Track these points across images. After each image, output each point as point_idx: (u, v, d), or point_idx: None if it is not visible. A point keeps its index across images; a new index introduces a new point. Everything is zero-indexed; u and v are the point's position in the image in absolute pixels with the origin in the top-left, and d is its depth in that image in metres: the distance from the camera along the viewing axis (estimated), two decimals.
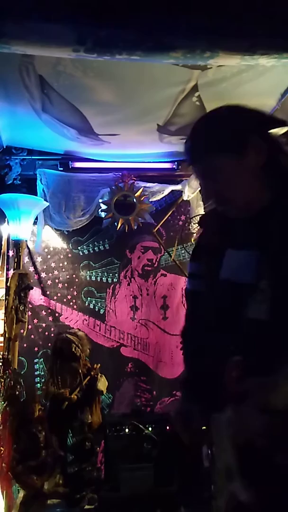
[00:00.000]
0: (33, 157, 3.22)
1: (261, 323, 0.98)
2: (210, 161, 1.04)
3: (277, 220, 1.00)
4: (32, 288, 3.12)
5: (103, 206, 3.35)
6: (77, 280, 3.43)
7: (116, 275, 3.46)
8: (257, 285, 0.99)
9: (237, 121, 1.05)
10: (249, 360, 0.95)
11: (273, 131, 1.08)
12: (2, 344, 3.04)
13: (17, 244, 3.18)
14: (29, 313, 3.13)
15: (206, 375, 1.04)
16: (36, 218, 3.23)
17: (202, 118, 1.13)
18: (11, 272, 3.18)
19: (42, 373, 3.22)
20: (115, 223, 3.34)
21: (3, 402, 2.57)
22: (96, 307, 3.42)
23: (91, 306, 3.42)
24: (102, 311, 3.42)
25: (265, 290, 0.98)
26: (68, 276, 3.42)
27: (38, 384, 3.17)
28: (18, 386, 2.67)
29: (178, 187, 3.31)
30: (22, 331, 3.07)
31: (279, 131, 1.11)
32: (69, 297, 3.40)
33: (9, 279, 3.11)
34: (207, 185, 1.08)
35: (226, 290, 1.07)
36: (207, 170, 1.06)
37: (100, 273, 3.46)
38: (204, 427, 1.08)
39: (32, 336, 3.27)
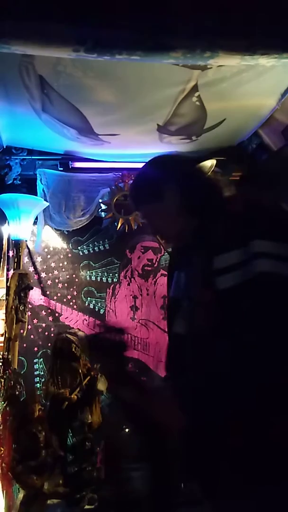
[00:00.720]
0: (33, 157, 3.21)
1: (182, 338, 1.21)
2: (141, 210, 1.35)
3: (195, 247, 1.21)
4: (32, 288, 3.12)
5: (103, 206, 3.35)
6: (77, 280, 3.44)
7: (116, 275, 3.47)
8: (182, 303, 1.23)
9: (151, 176, 1.31)
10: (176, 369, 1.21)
11: (201, 164, 1.38)
12: (2, 344, 3.05)
13: (17, 244, 3.18)
14: (29, 313, 3.13)
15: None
16: (36, 218, 3.23)
17: (134, 178, 1.43)
18: (11, 272, 3.19)
19: (42, 373, 3.22)
20: (115, 223, 3.34)
21: (3, 402, 2.57)
22: (96, 307, 3.42)
23: (91, 306, 3.42)
24: (102, 311, 3.42)
25: (186, 308, 1.21)
26: (68, 276, 3.43)
27: (38, 384, 3.17)
28: (18, 386, 2.66)
29: None
30: (22, 331, 3.07)
31: (208, 163, 1.42)
32: (69, 297, 3.41)
33: (9, 279, 3.11)
34: (147, 225, 1.37)
35: (169, 308, 1.35)
36: (142, 215, 1.38)
37: (100, 273, 3.46)
38: None
39: (32, 336, 3.27)
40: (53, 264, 3.43)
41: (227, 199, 1.24)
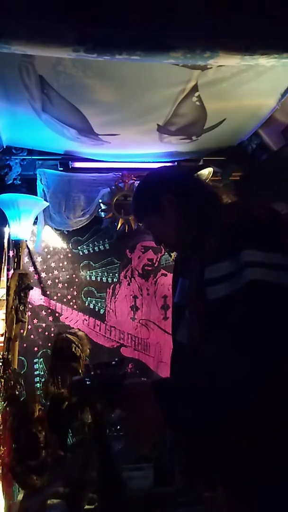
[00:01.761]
0: (33, 157, 3.21)
1: (183, 346, 1.25)
2: (143, 221, 1.40)
3: (193, 256, 1.23)
4: (32, 288, 3.12)
5: (103, 206, 3.35)
6: (77, 280, 3.44)
7: (116, 275, 3.47)
8: (184, 311, 1.26)
9: (151, 188, 1.34)
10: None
11: (199, 173, 1.44)
12: (2, 344, 3.05)
13: (17, 244, 3.18)
14: (29, 313, 3.13)
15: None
16: (36, 218, 3.23)
17: (134, 191, 1.45)
18: (11, 272, 3.19)
19: (42, 373, 3.22)
20: (115, 223, 3.34)
21: (3, 402, 2.57)
22: (96, 307, 3.42)
23: (91, 306, 3.42)
24: (102, 311, 3.42)
25: (187, 317, 1.23)
26: (68, 276, 3.43)
27: (38, 384, 3.17)
28: (18, 386, 2.66)
29: None
30: (22, 331, 3.07)
31: (205, 172, 1.50)
32: (69, 297, 3.41)
33: (9, 279, 3.11)
34: (150, 235, 1.40)
35: (173, 314, 1.44)
36: (145, 226, 1.41)
37: (100, 273, 3.46)
38: None
39: (32, 336, 3.27)
40: (53, 264, 3.43)
41: (222, 208, 1.25)
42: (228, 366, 0.99)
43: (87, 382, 1.07)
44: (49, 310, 3.37)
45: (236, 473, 1.05)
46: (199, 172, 1.45)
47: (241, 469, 1.04)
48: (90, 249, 3.48)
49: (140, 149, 3.11)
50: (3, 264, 3.25)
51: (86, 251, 3.47)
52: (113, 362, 1.14)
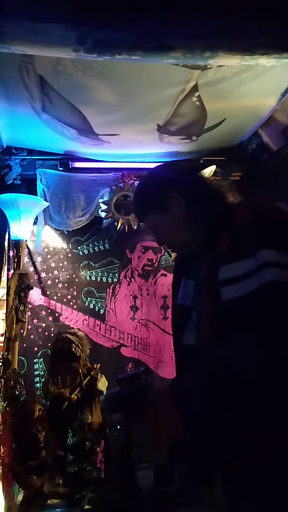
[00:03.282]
0: (33, 157, 3.21)
1: (191, 349, 1.20)
2: (146, 220, 1.32)
3: (202, 257, 1.20)
4: (32, 288, 3.12)
5: (103, 206, 3.35)
6: (77, 280, 3.44)
7: (116, 275, 3.47)
8: (191, 313, 1.22)
9: (155, 186, 1.28)
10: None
11: (203, 171, 1.40)
12: (2, 344, 3.05)
13: (17, 244, 3.18)
14: (29, 313, 3.13)
15: None
16: (36, 218, 3.23)
17: (136, 188, 1.40)
18: (11, 272, 3.19)
19: (42, 373, 3.22)
20: (115, 223, 3.34)
21: (3, 402, 2.57)
22: (96, 307, 3.42)
23: (91, 306, 3.42)
24: (102, 311, 3.42)
25: (197, 318, 1.19)
26: (68, 276, 3.43)
27: (38, 384, 3.17)
28: (18, 386, 2.66)
29: None
30: (22, 331, 3.07)
31: (207, 171, 1.45)
32: (69, 297, 3.41)
33: (9, 279, 3.11)
34: (153, 235, 1.34)
35: (176, 316, 1.39)
36: (147, 226, 1.34)
37: (100, 273, 3.46)
38: None
39: (32, 336, 3.27)
40: (53, 264, 3.43)
41: (231, 207, 1.22)
42: (249, 364, 0.97)
43: (122, 394, 1.07)
44: (49, 310, 3.37)
45: (249, 473, 1.04)
46: (201, 171, 1.42)
47: (255, 469, 1.03)
48: (90, 249, 3.48)
49: (140, 149, 3.11)
50: (3, 264, 3.25)
51: (86, 251, 3.47)
52: (142, 372, 1.12)
